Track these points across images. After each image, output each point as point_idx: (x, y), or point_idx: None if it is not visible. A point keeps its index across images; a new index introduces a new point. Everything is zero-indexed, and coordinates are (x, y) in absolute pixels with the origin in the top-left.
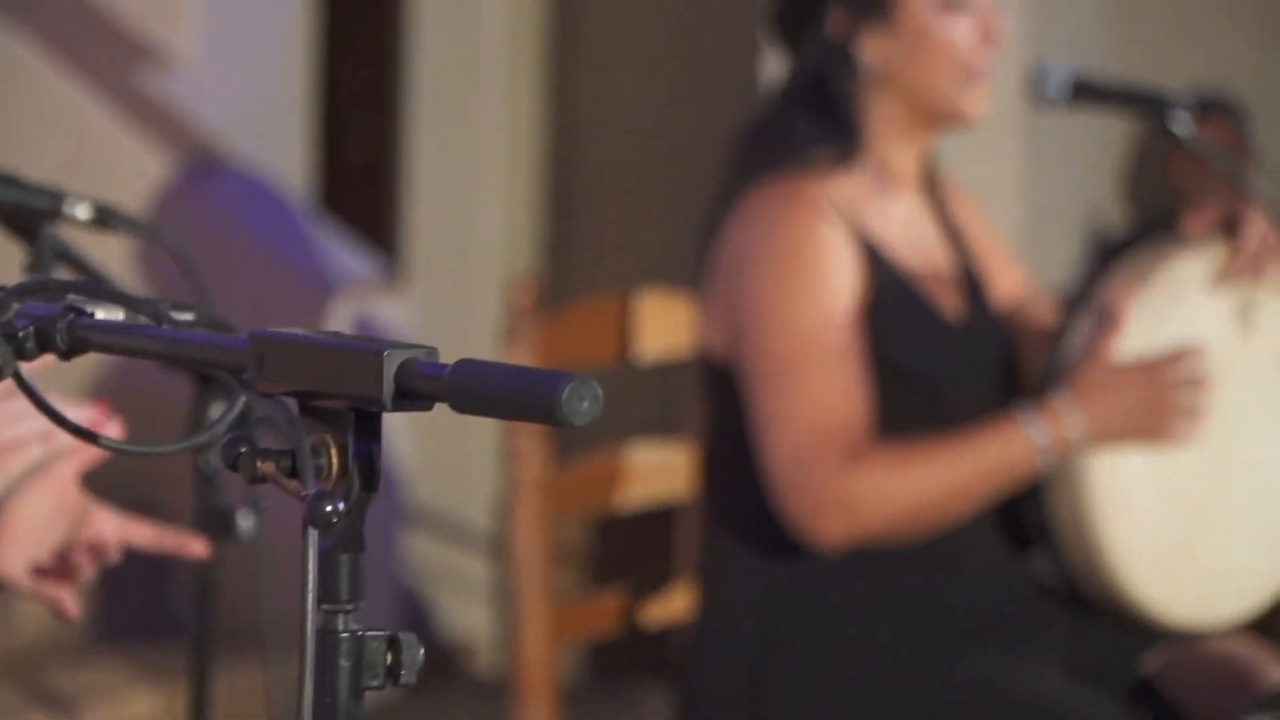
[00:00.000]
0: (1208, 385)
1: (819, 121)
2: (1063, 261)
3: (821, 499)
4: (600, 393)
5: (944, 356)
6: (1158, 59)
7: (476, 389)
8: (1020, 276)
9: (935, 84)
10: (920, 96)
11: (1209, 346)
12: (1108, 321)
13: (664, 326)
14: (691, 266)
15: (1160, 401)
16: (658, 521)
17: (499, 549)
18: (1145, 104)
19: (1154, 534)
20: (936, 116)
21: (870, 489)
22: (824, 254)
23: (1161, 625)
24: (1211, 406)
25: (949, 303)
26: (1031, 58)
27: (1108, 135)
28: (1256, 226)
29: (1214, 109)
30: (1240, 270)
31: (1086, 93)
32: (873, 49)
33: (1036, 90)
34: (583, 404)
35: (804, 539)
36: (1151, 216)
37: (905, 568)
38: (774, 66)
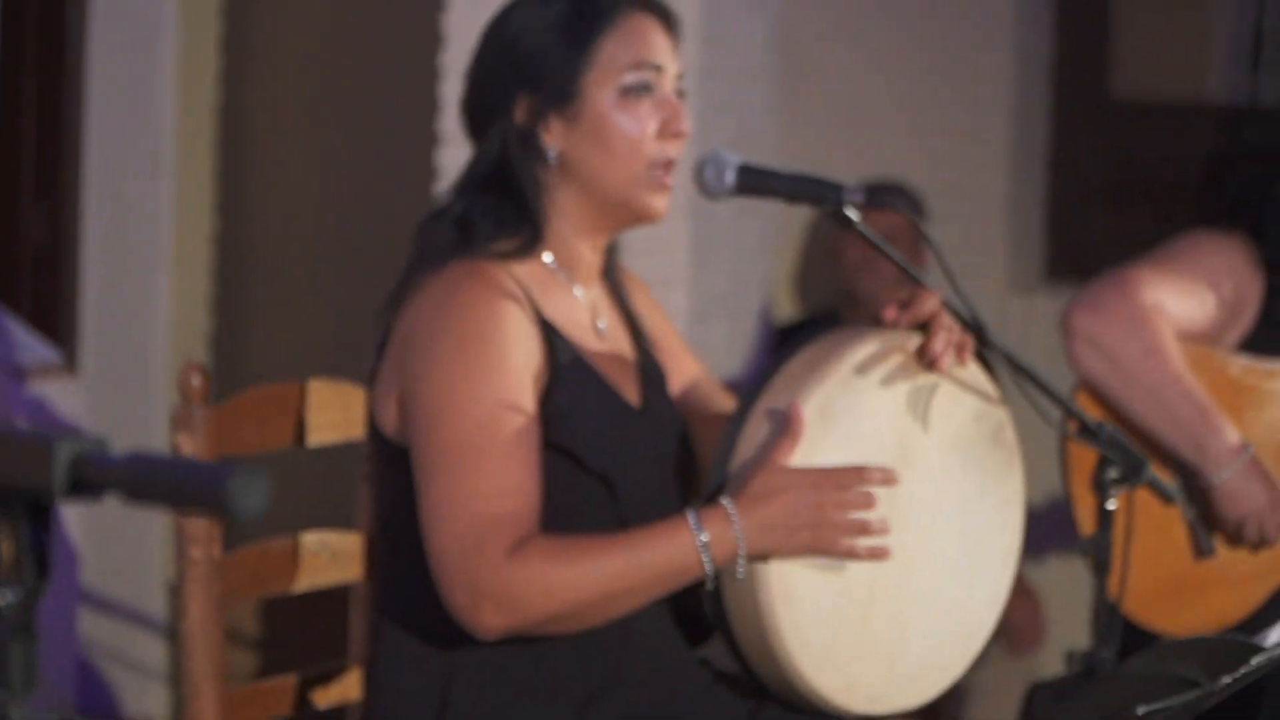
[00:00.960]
0: (878, 503)
1: (501, 210)
2: (731, 349)
3: (483, 590)
4: (267, 484)
5: (622, 444)
6: (825, 148)
7: (146, 481)
8: (697, 366)
9: (615, 175)
10: (600, 187)
11: (888, 436)
12: (785, 427)
13: (336, 414)
14: (367, 357)
15: (827, 514)
16: (331, 605)
17: (174, 629)
18: (813, 193)
19: (829, 622)
20: (617, 207)
21: (533, 583)
22: (503, 335)
23: (838, 712)
24: (888, 503)
25: (629, 391)
26: (698, 148)
27: (777, 223)
28: (939, 317)
29: (887, 199)
30: (922, 360)
31: (753, 182)
32: (556, 138)
33: (703, 180)
34: (249, 497)
35: (467, 628)
36: (821, 303)
37: (578, 656)
38: (452, 157)
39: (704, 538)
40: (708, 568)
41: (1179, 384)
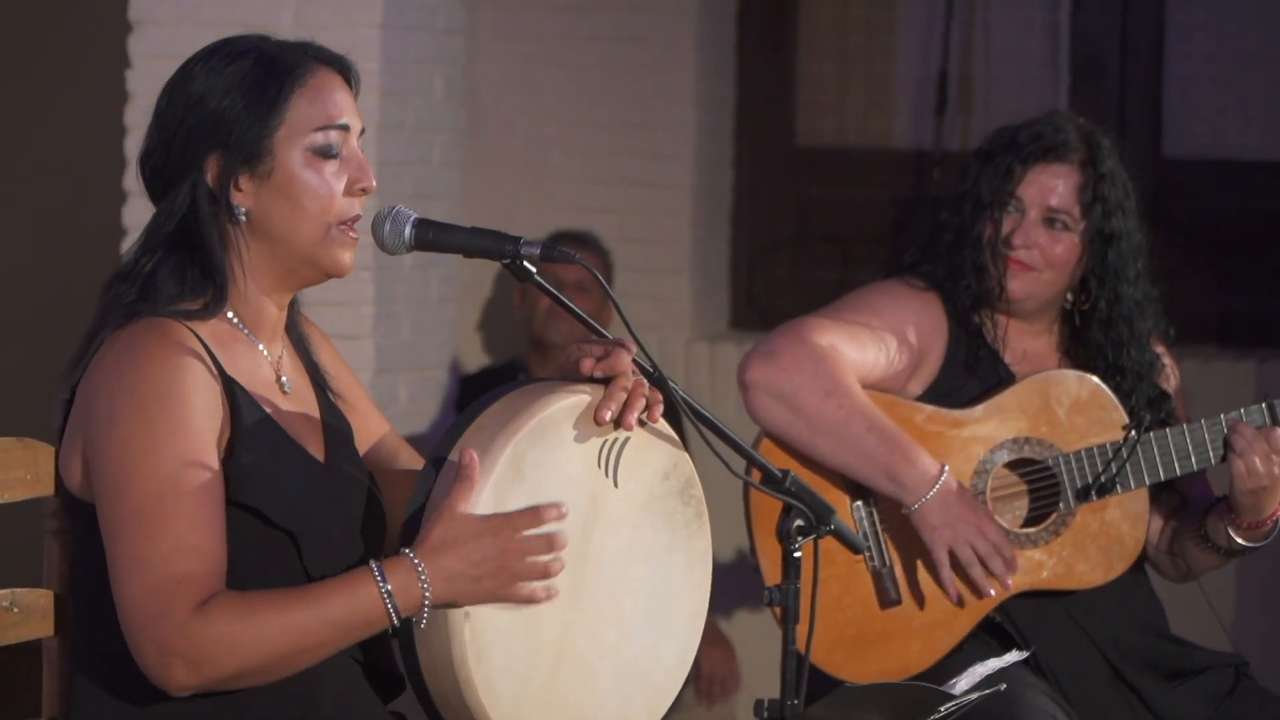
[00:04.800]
0: (560, 544)
1: (186, 269)
2: (417, 401)
3: (170, 649)
4: None
5: (307, 500)
6: (509, 201)
7: None
8: (383, 422)
9: (304, 232)
10: (290, 244)
11: (579, 491)
12: (460, 475)
13: (24, 471)
14: (52, 414)
15: (508, 560)
16: (22, 661)
17: None
18: (490, 246)
19: (519, 676)
20: (306, 263)
21: (219, 640)
22: (184, 393)
23: None
24: (578, 559)
25: (314, 447)
26: (380, 202)
27: (462, 274)
28: (627, 373)
29: (564, 251)
30: (612, 415)
31: (431, 237)
32: (246, 196)
33: (381, 236)
34: None
35: (158, 685)
36: (505, 352)
37: (270, 711)
38: (138, 214)
39: (388, 588)
40: (394, 618)
41: (863, 418)
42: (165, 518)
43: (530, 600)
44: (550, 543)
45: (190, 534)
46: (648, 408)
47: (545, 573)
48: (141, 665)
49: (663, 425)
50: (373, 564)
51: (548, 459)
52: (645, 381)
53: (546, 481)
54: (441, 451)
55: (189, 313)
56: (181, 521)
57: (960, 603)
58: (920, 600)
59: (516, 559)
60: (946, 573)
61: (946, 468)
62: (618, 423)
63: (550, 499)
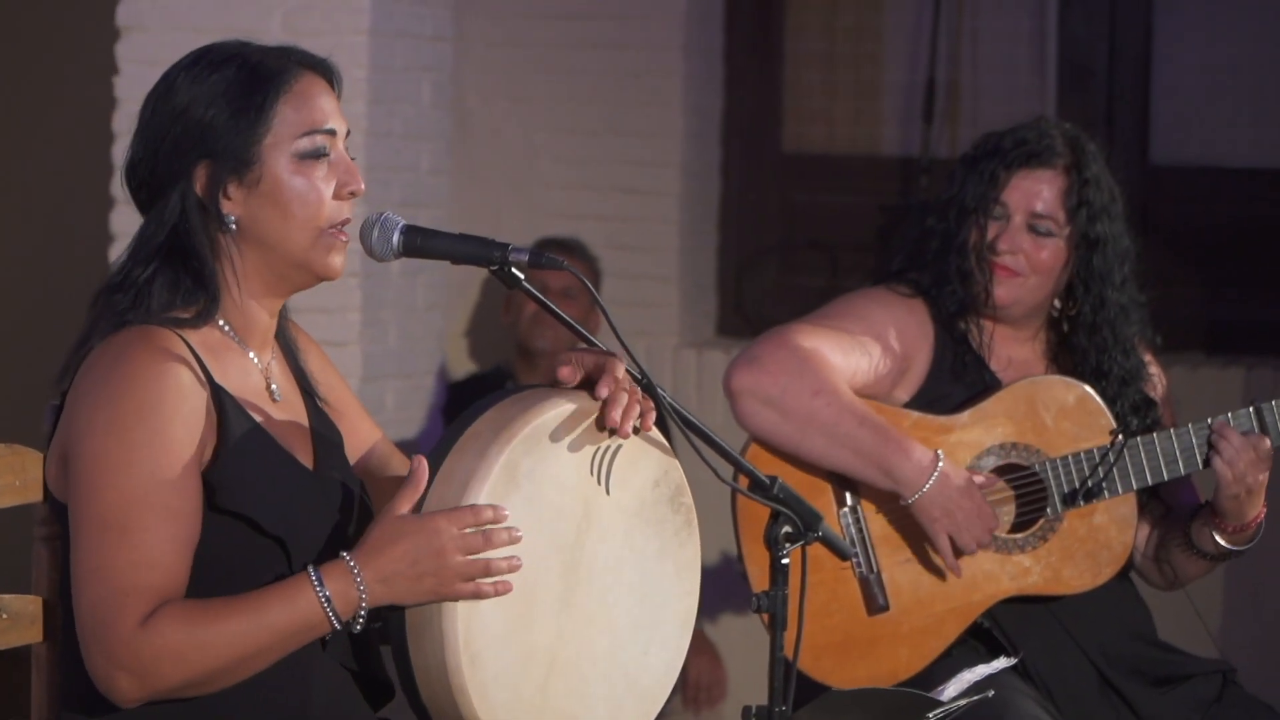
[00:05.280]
0: (499, 541)
1: (178, 278)
2: (404, 407)
3: (116, 660)
4: None
5: (297, 507)
6: (497, 207)
7: None
8: (374, 429)
9: (294, 238)
10: (280, 250)
11: (572, 499)
12: (407, 479)
13: (13, 477)
14: (42, 421)
15: (446, 558)
16: (11, 667)
17: None
18: (478, 253)
19: (512, 683)
20: (297, 268)
21: (163, 651)
22: (165, 405)
23: None
24: (570, 566)
25: (303, 455)
26: (369, 209)
27: (449, 280)
28: (618, 379)
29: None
30: (603, 423)
31: (418, 244)
32: (235, 205)
33: (369, 243)
34: None
35: (107, 696)
36: (492, 359)
37: (257, 716)
38: (126, 221)
39: (326, 592)
40: (334, 622)
41: (853, 414)
42: (128, 530)
43: (476, 596)
44: (488, 539)
45: (150, 548)
46: (641, 415)
47: (487, 570)
48: (91, 676)
49: (654, 433)
50: (310, 569)
51: (542, 466)
52: (638, 389)
53: (541, 488)
54: (435, 461)
55: (180, 320)
56: (145, 535)
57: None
58: (908, 606)
59: (455, 557)
60: (951, 559)
61: (940, 454)
62: (611, 430)
63: (544, 506)
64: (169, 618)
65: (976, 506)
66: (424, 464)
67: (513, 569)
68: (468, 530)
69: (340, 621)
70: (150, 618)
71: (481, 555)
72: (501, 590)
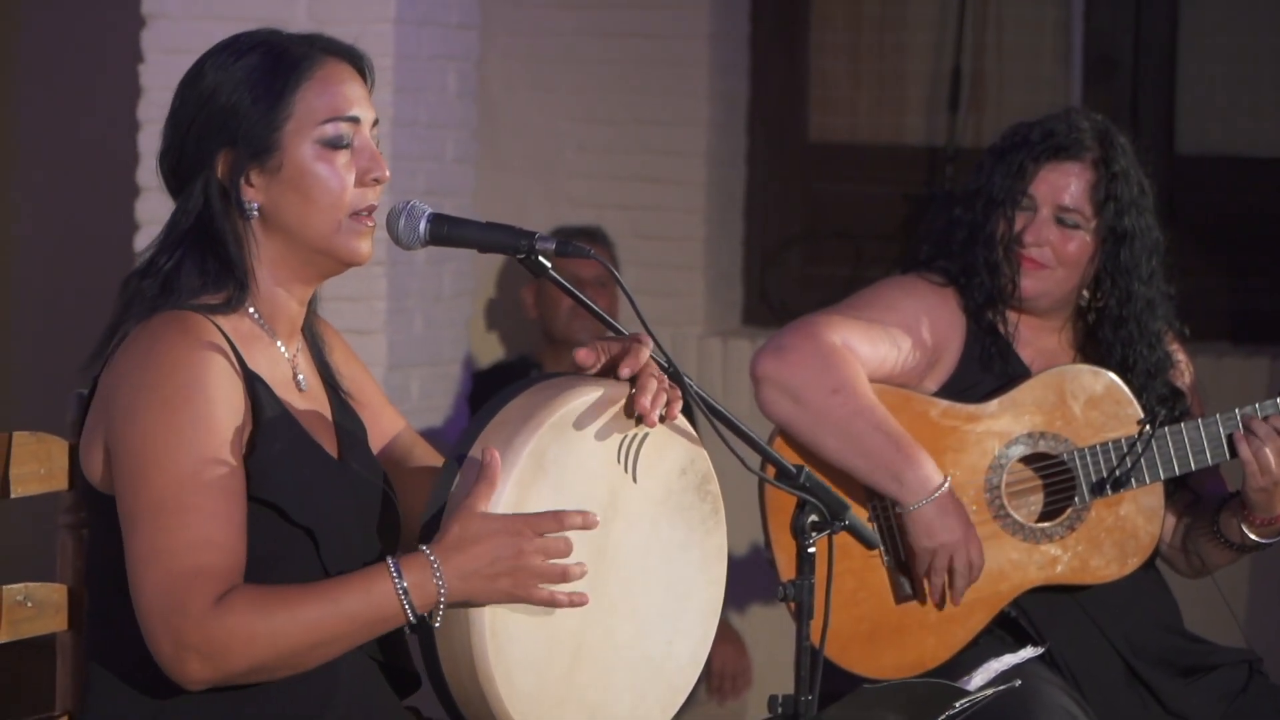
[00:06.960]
0: (585, 551)
1: (206, 265)
2: (430, 395)
3: (186, 643)
4: None
5: (325, 497)
6: (522, 196)
7: None
8: (398, 419)
9: (317, 225)
10: (304, 237)
11: (598, 486)
12: (482, 474)
13: (39, 465)
14: (67, 409)
15: (526, 560)
16: (36, 655)
17: None
18: (505, 241)
19: (538, 670)
20: (322, 255)
21: (235, 634)
22: (207, 387)
23: None
24: (596, 554)
25: (328, 445)
26: (394, 198)
27: (475, 269)
28: (646, 368)
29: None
30: (631, 412)
31: (445, 232)
32: (258, 192)
33: (396, 231)
34: None
35: (173, 679)
36: (517, 347)
37: (285, 705)
38: (152, 208)
39: (404, 585)
40: (409, 614)
41: (869, 417)
42: (184, 511)
43: (549, 604)
44: (569, 546)
45: (209, 528)
46: (667, 404)
47: (564, 575)
48: (157, 658)
49: (680, 421)
50: (389, 560)
51: (569, 454)
52: (665, 377)
53: (568, 476)
54: (462, 449)
55: (211, 307)
56: (200, 515)
57: (941, 604)
58: (935, 595)
59: (534, 560)
60: (937, 578)
61: (949, 479)
62: (638, 418)
63: (572, 494)
64: (242, 600)
65: (967, 540)
66: (497, 457)
67: (582, 575)
68: (550, 535)
69: (415, 614)
70: (222, 600)
71: (560, 561)
72: (578, 602)
